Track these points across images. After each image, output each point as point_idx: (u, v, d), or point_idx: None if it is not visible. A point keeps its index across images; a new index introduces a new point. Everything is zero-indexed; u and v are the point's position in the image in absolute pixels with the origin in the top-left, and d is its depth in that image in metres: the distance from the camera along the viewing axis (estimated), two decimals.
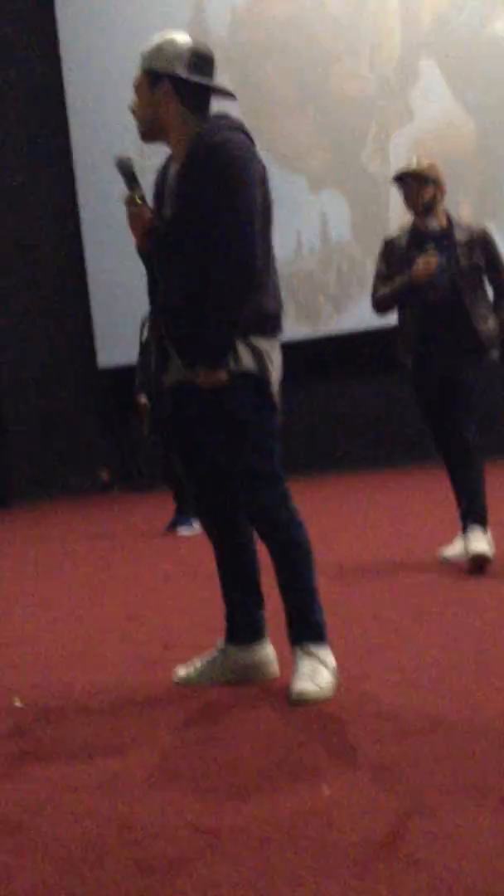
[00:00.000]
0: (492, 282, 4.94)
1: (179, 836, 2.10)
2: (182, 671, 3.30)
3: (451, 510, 5.00)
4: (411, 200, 4.91)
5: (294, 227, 11.51)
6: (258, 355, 3.02)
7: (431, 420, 5.03)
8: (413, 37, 11.23)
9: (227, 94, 3.14)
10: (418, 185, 4.86)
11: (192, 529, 7.40)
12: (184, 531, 7.54)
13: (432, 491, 8.19)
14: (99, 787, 2.44)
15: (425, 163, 4.92)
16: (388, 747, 2.49)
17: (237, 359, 2.99)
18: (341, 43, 11.65)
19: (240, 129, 3.05)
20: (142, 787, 2.42)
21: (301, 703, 2.91)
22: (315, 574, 3.10)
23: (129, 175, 3.14)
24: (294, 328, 11.39)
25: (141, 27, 12.40)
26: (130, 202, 3.12)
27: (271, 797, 2.26)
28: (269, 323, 3.06)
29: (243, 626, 3.26)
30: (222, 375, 2.97)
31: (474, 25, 10.86)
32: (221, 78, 3.14)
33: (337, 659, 3.09)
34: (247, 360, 3.01)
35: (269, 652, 3.26)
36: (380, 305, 5.05)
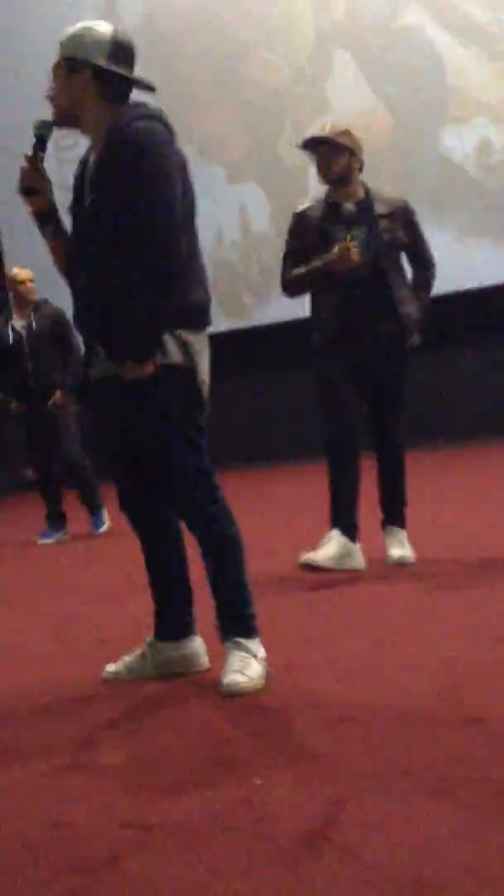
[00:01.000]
0: (413, 259, 4.69)
1: (112, 833, 2.09)
2: (112, 668, 3.28)
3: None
4: (322, 170, 4.51)
5: (214, 219, 11.48)
6: (185, 348, 3.00)
7: (331, 413, 4.61)
8: (326, 27, 11.26)
9: (147, 87, 3.10)
10: (328, 153, 4.46)
11: (52, 538, 7.30)
12: (46, 540, 7.32)
13: None
14: (29, 787, 2.42)
15: (339, 128, 4.49)
16: (321, 737, 2.50)
17: (165, 351, 2.96)
18: (255, 34, 11.64)
19: (157, 117, 3.00)
20: (73, 785, 2.40)
21: (232, 695, 2.91)
22: (245, 567, 3.11)
23: (39, 137, 3.10)
24: (217, 320, 11.35)
25: (52, 19, 12.28)
26: (27, 159, 3.08)
27: (203, 791, 2.25)
28: (196, 315, 3.04)
29: (172, 622, 3.25)
30: (149, 368, 2.94)
31: (386, 16, 10.92)
32: (136, 69, 3.11)
33: (269, 650, 3.09)
34: (174, 353, 2.98)
35: (198, 645, 3.25)
36: (291, 288, 4.66)
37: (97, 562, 6.07)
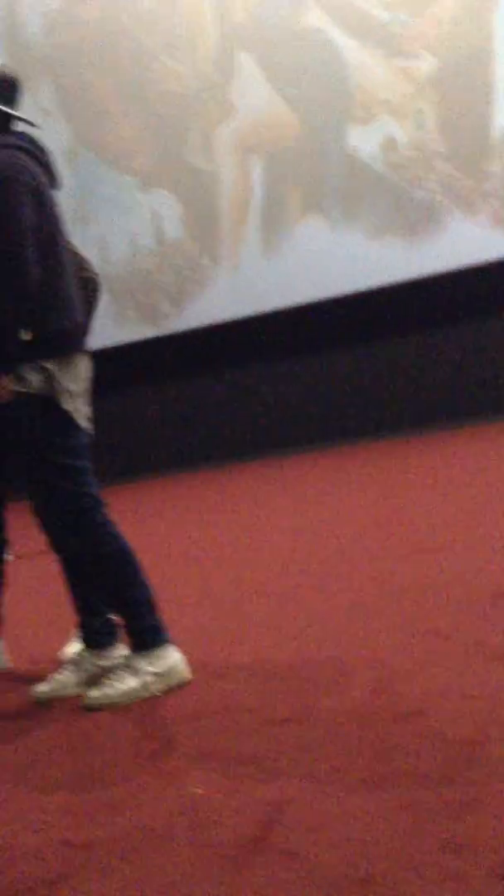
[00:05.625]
0: None
1: (51, 854, 2.08)
2: (42, 686, 3.25)
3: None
4: None
5: (128, 228, 11.46)
6: (47, 376, 2.98)
7: None
8: (228, 31, 11.29)
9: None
10: None
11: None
12: None
13: (274, 482, 8.32)
14: None
15: None
16: (255, 740, 2.50)
17: (23, 380, 2.97)
18: (157, 41, 11.63)
19: (16, 146, 3.00)
20: (8, 807, 2.38)
21: (88, 709, 2.99)
22: (135, 581, 3.10)
23: None
24: (136, 329, 11.35)
25: None
26: None
27: (142, 804, 2.25)
28: (58, 342, 3.02)
29: (100, 631, 3.27)
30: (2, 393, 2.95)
31: (287, 18, 10.97)
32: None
33: (195, 655, 3.10)
34: (35, 382, 2.98)
35: (125, 654, 3.25)
36: None
37: (24, 575, 6.02)
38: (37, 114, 12.19)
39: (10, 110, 3.10)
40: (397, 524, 5.29)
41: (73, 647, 3.60)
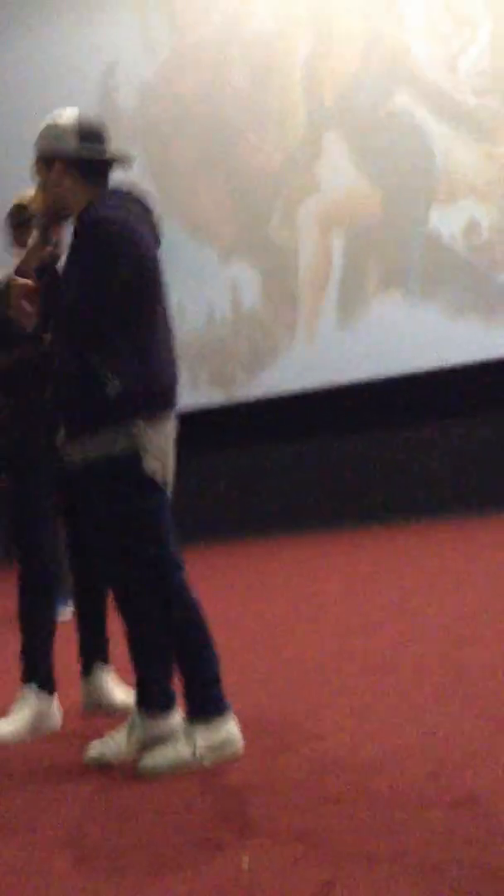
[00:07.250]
0: None
1: None
2: (93, 751, 3.19)
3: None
4: None
5: (205, 296, 11.59)
6: (131, 438, 3.00)
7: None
8: (317, 112, 11.47)
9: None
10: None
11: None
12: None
13: (308, 558, 8.28)
14: (9, 870, 2.37)
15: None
16: (308, 816, 2.46)
17: (108, 441, 2.99)
18: (247, 118, 11.85)
19: (126, 206, 3.06)
20: (55, 869, 2.36)
21: (139, 775, 2.96)
22: (199, 649, 3.08)
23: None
24: (208, 394, 11.42)
25: (49, 104, 12.44)
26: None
27: (190, 874, 2.21)
28: (146, 402, 3.02)
29: (157, 696, 3.23)
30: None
31: (375, 100, 11.13)
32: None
33: (252, 733, 3.06)
34: (120, 442, 2.99)
35: (180, 721, 3.22)
36: None
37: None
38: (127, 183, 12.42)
39: (104, 156, 3.13)
40: (462, 607, 5.22)
41: (126, 696, 3.67)
